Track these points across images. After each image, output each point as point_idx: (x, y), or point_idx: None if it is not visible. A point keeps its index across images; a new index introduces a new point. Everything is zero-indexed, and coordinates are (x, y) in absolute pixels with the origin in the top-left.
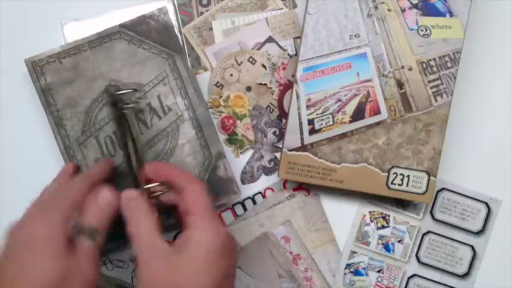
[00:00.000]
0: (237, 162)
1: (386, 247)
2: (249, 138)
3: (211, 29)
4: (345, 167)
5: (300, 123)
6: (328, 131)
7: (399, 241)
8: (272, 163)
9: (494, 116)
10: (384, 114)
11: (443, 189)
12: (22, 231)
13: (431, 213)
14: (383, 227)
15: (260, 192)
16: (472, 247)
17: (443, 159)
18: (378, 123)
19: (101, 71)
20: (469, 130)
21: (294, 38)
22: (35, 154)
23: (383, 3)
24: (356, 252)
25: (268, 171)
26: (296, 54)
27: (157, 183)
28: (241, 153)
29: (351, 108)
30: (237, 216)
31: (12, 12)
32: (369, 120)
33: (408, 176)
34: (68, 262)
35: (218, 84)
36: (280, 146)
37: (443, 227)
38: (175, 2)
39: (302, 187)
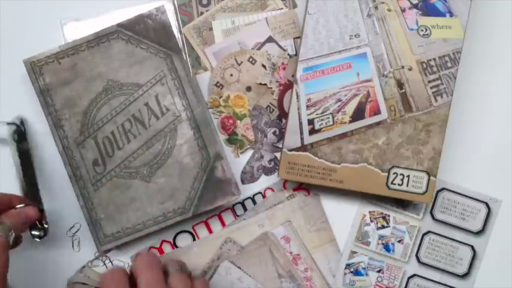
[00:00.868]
0: (237, 162)
1: (387, 247)
2: (249, 138)
3: (211, 29)
4: (345, 167)
5: (300, 123)
6: (328, 131)
7: (399, 241)
8: (272, 163)
9: (494, 116)
10: (384, 114)
11: (443, 189)
12: None
13: (431, 213)
14: (383, 227)
15: (260, 192)
16: (472, 247)
17: (443, 159)
18: (378, 123)
19: (99, 71)
20: (469, 130)
21: (294, 38)
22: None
23: (383, 3)
24: (356, 252)
25: (268, 171)
26: (296, 54)
27: None
28: (241, 153)
29: (351, 108)
30: (237, 216)
31: (12, 12)
32: (369, 120)
33: (408, 176)
34: None
35: (218, 84)
36: (280, 146)
37: (443, 227)
38: (175, 2)
39: (302, 187)
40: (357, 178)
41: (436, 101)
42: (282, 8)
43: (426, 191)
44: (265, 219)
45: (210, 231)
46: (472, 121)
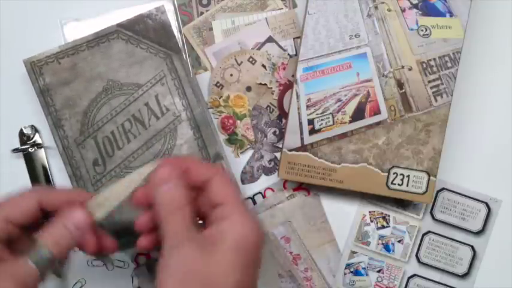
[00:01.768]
0: (237, 162)
1: (386, 247)
2: (249, 138)
3: (211, 29)
4: (345, 167)
5: (300, 123)
6: (328, 131)
7: (399, 241)
8: (272, 163)
9: (494, 116)
10: (384, 114)
11: (443, 189)
12: None
13: (431, 213)
14: (383, 227)
15: (260, 192)
16: (472, 247)
17: (443, 159)
18: (378, 123)
19: (99, 71)
20: (469, 130)
21: (294, 38)
22: None
23: (383, 3)
24: (356, 252)
25: (268, 171)
26: (296, 54)
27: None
28: (241, 153)
29: (351, 108)
30: None
31: (12, 12)
32: (369, 120)
33: (408, 176)
34: None
35: (218, 84)
36: (280, 146)
37: (443, 227)
38: (175, 2)
39: (302, 187)
40: (357, 178)
41: (436, 101)
42: (282, 8)
43: (426, 191)
44: (265, 219)
45: None
46: (472, 121)
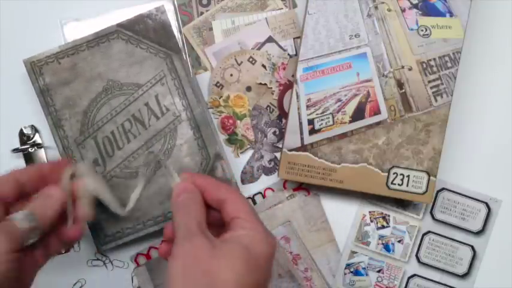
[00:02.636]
0: (237, 162)
1: (386, 247)
2: (249, 138)
3: (211, 29)
4: (345, 167)
5: (300, 123)
6: (328, 131)
7: (399, 241)
8: (272, 163)
9: (494, 116)
10: (384, 114)
11: (443, 189)
12: None
13: (431, 213)
14: (383, 227)
15: (260, 192)
16: (472, 247)
17: (443, 159)
18: (378, 123)
19: (99, 71)
20: (469, 130)
21: (294, 38)
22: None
23: (383, 3)
24: (356, 252)
25: (268, 171)
26: (296, 54)
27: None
28: (241, 153)
29: (351, 108)
30: None
31: (12, 12)
32: (369, 120)
33: (408, 176)
34: None
35: (218, 84)
36: (280, 146)
37: (443, 227)
38: (175, 2)
39: (302, 187)
40: (357, 178)
41: (436, 101)
42: (282, 8)
43: (426, 191)
44: (265, 219)
45: None
46: (472, 121)
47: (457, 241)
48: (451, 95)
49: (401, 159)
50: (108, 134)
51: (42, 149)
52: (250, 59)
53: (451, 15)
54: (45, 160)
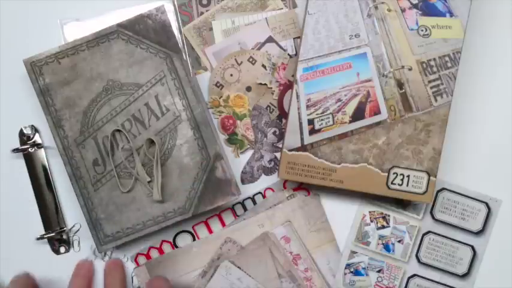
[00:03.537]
0: (237, 162)
1: (387, 247)
2: (249, 138)
3: (211, 29)
4: (345, 167)
5: (300, 123)
6: (328, 131)
7: (399, 241)
8: (272, 163)
9: (494, 116)
10: (383, 114)
11: (443, 189)
12: None
13: (431, 213)
14: (383, 227)
15: (260, 192)
16: (472, 247)
17: (443, 159)
18: (377, 123)
19: (99, 71)
20: (469, 130)
21: (294, 38)
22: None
23: (383, 3)
24: (356, 252)
25: (268, 171)
26: (296, 54)
27: None
28: (241, 153)
29: (351, 108)
30: (237, 216)
31: (12, 12)
32: (369, 120)
33: (408, 176)
34: None
35: (218, 84)
36: (280, 146)
37: (444, 227)
38: (175, 2)
39: (302, 187)
40: (357, 178)
41: (436, 101)
42: (282, 8)
43: (426, 191)
44: (265, 219)
45: (210, 231)
46: (472, 121)
47: (457, 241)
48: (451, 95)
49: (401, 159)
50: (108, 134)
51: (42, 149)
52: (250, 59)
53: (451, 15)
54: (46, 160)
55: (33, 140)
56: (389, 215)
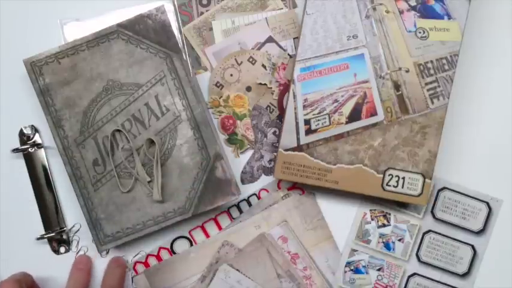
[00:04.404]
0: (237, 162)
1: (387, 245)
2: (249, 138)
3: (211, 29)
4: (340, 167)
5: (297, 123)
6: (325, 131)
7: (400, 240)
8: (272, 163)
9: (494, 116)
10: (380, 116)
11: (444, 188)
12: None
13: (432, 212)
14: (384, 225)
15: (255, 194)
16: (473, 246)
17: (445, 159)
18: (374, 125)
19: (99, 71)
20: (469, 130)
21: (294, 38)
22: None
23: (381, 4)
24: (356, 251)
25: (268, 171)
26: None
27: None
28: (241, 153)
29: (347, 109)
30: (233, 218)
31: (12, 12)
32: (365, 122)
33: (403, 178)
34: None
35: (218, 84)
36: None
37: (444, 226)
38: (175, 2)
39: (296, 186)
40: (352, 179)
41: (432, 103)
42: (282, 8)
43: (421, 193)
44: (262, 220)
45: (207, 236)
46: (472, 122)
47: (458, 240)
48: (448, 98)
49: (396, 161)
50: (108, 134)
51: (42, 149)
52: (250, 59)
53: (449, 17)
54: (46, 160)
55: (33, 140)
56: (390, 214)
